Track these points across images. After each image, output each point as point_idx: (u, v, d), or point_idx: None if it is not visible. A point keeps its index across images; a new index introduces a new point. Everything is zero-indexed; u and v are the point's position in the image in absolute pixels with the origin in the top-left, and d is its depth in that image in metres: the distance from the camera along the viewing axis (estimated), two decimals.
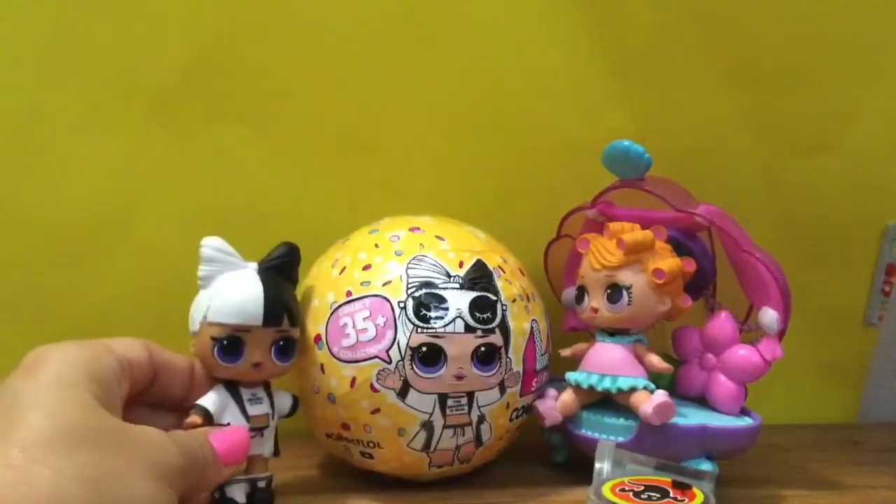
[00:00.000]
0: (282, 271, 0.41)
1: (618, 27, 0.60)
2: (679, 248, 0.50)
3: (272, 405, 0.40)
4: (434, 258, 0.45)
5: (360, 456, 0.46)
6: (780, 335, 0.48)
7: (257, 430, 0.39)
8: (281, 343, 0.39)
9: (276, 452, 0.41)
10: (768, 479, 0.52)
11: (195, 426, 0.37)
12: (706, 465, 0.46)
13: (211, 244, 0.40)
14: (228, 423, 0.38)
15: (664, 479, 0.38)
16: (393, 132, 0.59)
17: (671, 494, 0.37)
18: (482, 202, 0.58)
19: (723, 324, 0.49)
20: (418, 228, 0.47)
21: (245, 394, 0.39)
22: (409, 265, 0.45)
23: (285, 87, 0.57)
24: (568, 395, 0.49)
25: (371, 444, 0.45)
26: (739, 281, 0.51)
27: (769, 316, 0.48)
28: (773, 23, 0.60)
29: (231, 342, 0.38)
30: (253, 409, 0.39)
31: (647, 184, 0.51)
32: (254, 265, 0.40)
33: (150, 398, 0.37)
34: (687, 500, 0.36)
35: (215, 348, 0.38)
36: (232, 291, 0.38)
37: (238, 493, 0.39)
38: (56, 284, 0.56)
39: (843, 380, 0.67)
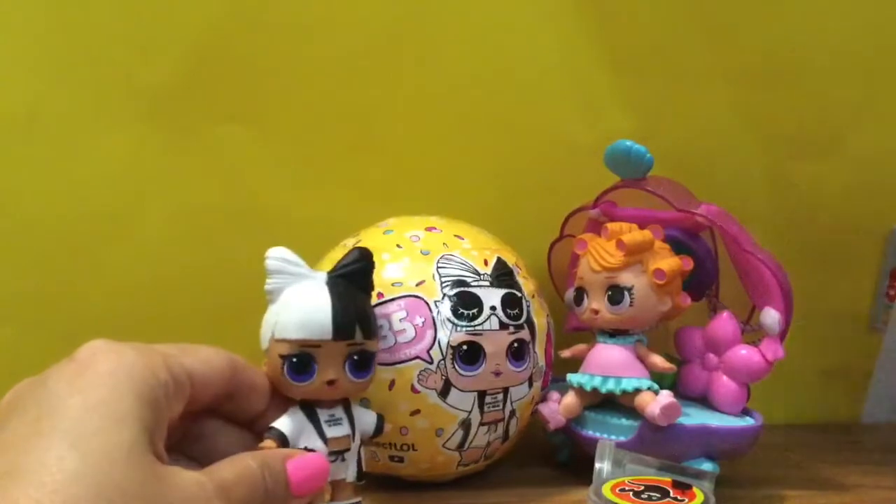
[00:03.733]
0: (354, 279, 0.37)
1: (620, 27, 0.60)
2: (681, 249, 0.50)
3: (353, 426, 0.37)
4: (461, 257, 0.46)
5: (388, 460, 0.46)
6: (782, 335, 0.48)
7: (337, 453, 0.36)
8: (355, 357, 0.36)
9: (360, 477, 0.37)
10: (768, 479, 0.51)
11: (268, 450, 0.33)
12: (707, 465, 0.46)
13: (275, 255, 0.36)
14: (305, 448, 0.35)
15: (664, 479, 0.38)
16: (394, 132, 0.59)
17: (671, 494, 0.37)
18: (484, 202, 0.58)
19: (725, 324, 0.49)
20: (435, 228, 0.47)
21: (322, 415, 0.36)
22: (439, 264, 0.45)
23: (286, 86, 0.57)
24: (570, 398, 0.49)
25: (405, 447, 0.45)
26: (741, 281, 0.51)
27: (771, 316, 0.48)
28: (777, 23, 0.60)
29: (301, 359, 0.35)
30: (332, 432, 0.36)
31: (648, 184, 0.51)
32: (323, 274, 0.37)
33: (224, 412, 0.34)
34: (687, 500, 0.36)
35: (285, 366, 0.35)
36: (298, 304, 0.35)
37: None
38: (56, 284, 0.56)
39: (847, 385, 0.67)
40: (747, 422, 0.48)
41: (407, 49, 0.58)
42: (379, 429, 0.38)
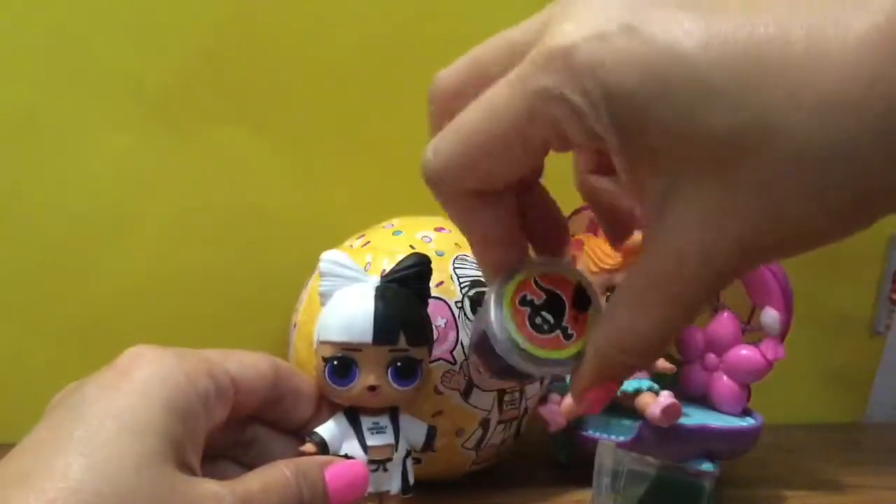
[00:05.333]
0: (408, 285, 0.36)
1: None
2: None
3: (397, 436, 0.36)
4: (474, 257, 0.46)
5: None
6: (782, 335, 0.48)
7: (378, 462, 0.35)
8: (398, 364, 0.34)
9: (407, 489, 0.36)
10: (768, 479, 0.52)
11: (308, 455, 0.33)
12: (707, 465, 0.46)
13: (329, 258, 0.36)
14: (346, 455, 0.34)
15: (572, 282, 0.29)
16: (394, 133, 0.59)
17: (565, 320, 0.28)
18: None
19: (725, 324, 0.49)
20: (443, 228, 0.48)
21: (366, 422, 0.35)
22: (455, 265, 0.45)
23: (286, 87, 0.57)
24: (571, 400, 0.49)
25: None
26: (742, 281, 0.51)
27: (770, 316, 0.48)
28: None
29: (341, 363, 0.34)
30: (373, 440, 0.35)
31: None
32: (375, 279, 0.36)
33: (270, 418, 0.33)
34: (576, 335, 0.28)
35: (326, 370, 0.34)
36: (341, 307, 0.35)
37: None
38: (56, 284, 0.56)
39: (847, 386, 0.67)
40: (747, 422, 0.48)
41: (406, 49, 0.58)
42: (429, 441, 0.37)
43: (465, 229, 0.27)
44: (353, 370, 0.34)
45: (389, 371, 0.34)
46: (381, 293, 0.35)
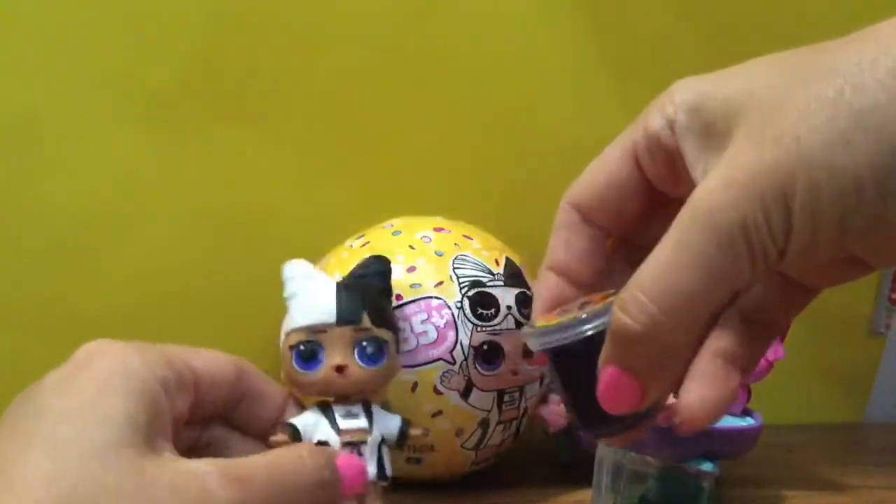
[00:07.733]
0: (367, 279, 0.37)
1: (620, 28, 0.60)
2: None
3: (371, 422, 0.36)
4: (474, 257, 0.46)
5: (405, 463, 0.45)
6: (783, 336, 0.48)
7: (352, 445, 0.35)
8: (364, 343, 0.35)
9: (383, 476, 0.36)
10: (768, 479, 0.52)
11: (280, 444, 0.33)
12: (707, 465, 0.46)
13: (291, 266, 0.37)
14: (320, 442, 0.34)
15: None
16: (394, 133, 0.59)
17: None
18: (484, 203, 0.58)
19: None
20: (443, 229, 0.48)
21: (339, 410, 0.35)
22: (455, 265, 0.45)
23: (286, 87, 0.57)
24: None
25: (424, 449, 0.45)
26: None
27: None
28: (776, 26, 0.60)
29: (307, 346, 0.35)
30: (345, 423, 0.35)
31: None
32: (336, 279, 0.37)
33: (234, 420, 0.33)
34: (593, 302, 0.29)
35: (293, 356, 0.35)
36: (305, 296, 0.36)
37: None
38: (56, 285, 0.56)
39: (847, 386, 0.67)
40: (747, 422, 0.48)
41: (406, 49, 0.58)
42: (403, 432, 0.36)
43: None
44: (319, 353, 0.34)
45: (356, 351, 0.35)
46: (343, 282, 0.36)
